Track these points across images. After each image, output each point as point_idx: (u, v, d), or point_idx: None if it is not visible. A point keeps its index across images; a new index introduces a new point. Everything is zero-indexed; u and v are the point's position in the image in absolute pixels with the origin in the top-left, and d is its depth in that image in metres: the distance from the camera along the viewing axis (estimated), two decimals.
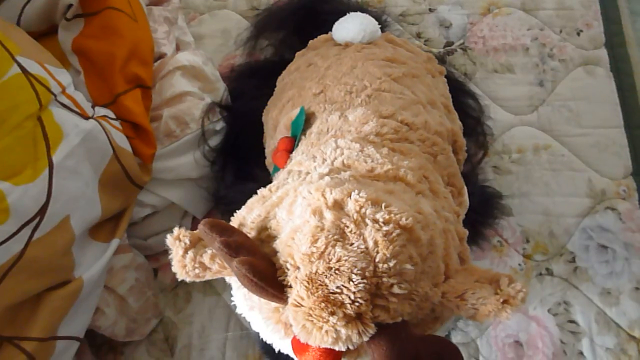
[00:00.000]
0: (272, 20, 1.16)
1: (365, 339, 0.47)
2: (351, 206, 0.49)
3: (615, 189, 1.03)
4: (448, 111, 0.83)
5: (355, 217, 0.48)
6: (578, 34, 1.18)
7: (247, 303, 0.57)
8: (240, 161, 0.98)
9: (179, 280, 0.56)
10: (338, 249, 0.47)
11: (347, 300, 0.46)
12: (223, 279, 0.96)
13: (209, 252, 0.54)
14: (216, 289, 0.98)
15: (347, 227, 0.48)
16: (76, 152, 0.72)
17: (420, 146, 0.68)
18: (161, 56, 0.97)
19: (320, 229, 0.48)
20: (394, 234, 0.48)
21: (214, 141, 0.98)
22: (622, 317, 0.93)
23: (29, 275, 0.67)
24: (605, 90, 1.12)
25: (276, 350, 0.57)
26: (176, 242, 0.55)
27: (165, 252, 1.00)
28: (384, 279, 0.47)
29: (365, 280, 0.46)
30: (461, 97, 1.03)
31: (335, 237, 0.48)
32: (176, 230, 0.56)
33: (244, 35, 1.18)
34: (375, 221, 0.48)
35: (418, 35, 1.20)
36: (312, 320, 0.47)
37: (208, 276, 0.55)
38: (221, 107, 0.99)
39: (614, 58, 1.15)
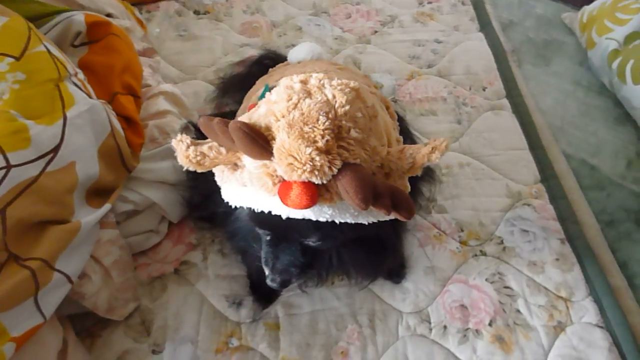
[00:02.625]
0: (234, 81, 1.40)
1: (335, 170, 0.63)
2: (313, 81, 0.68)
3: (528, 191, 1.23)
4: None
5: (317, 85, 0.67)
6: (484, 90, 1.47)
7: (239, 181, 0.71)
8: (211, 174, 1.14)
9: (185, 168, 0.70)
10: (307, 100, 0.65)
11: (317, 137, 0.63)
12: (196, 273, 1.07)
13: (207, 144, 0.70)
14: (190, 280, 1.07)
15: (312, 89, 0.67)
16: (84, 116, 0.88)
17: None
18: (146, 86, 1.17)
19: (293, 91, 0.66)
20: (346, 90, 0.66)
21: None
22: (549, 281, 1.07)
23: (39, 199, 0.78)
24: (511, 125, 1.38)
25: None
26: (179, 142, 0.71)
27: (142, 252, 1.11)
28: (343, 122, 0.65)
29: (329, 120, 0.64)
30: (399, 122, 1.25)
31: (304, 94, 0.66)
32: (178, 135, 0.72)
33: (212, 95, 1.41)
34: (332, 85, 0.67)
35: None
36: (293, 155, 0.63)
37: (207, 163, 0.70)
38: (195, 127, 1.17)
39: (514, 104, 1.43)
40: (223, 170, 0.75)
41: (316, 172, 0.63)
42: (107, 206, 0.93)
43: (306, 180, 0.64)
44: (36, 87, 0.82)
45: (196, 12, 1.70)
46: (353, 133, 0.65)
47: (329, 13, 1.71)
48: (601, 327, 1.01)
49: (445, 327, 1.01)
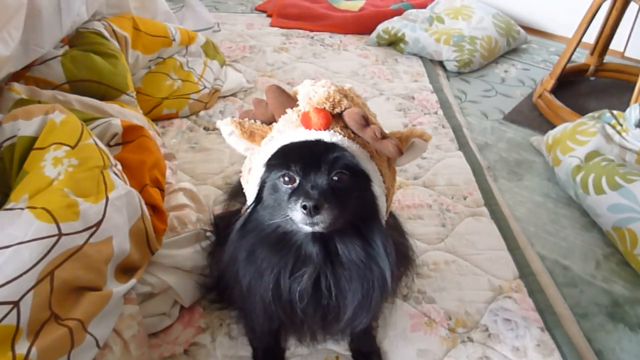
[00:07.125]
0: (240, 187, 1.55)
1: (342, 107, 0.89)
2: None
3: (509, 285, 1.36)
4: None
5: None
6: (465, 199, 1.65)
7: (268, 139, 0.92)
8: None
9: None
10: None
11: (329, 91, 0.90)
12: (205, 353, 1.16)
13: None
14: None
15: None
16: (122, 199, 1.01)
17: None
18: (167, 184, 1.32)
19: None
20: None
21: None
22: None
23: (82, 266, 0.90)
24: (490, 229, 1.53)
25: None
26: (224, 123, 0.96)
27: (154, 334, 1.19)
28: (346, 90, 0.96)
29: (336, 88, 0.94)
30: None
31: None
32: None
33: (220, 198, 1.56)
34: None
35: None
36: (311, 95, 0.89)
37: (246, 125, 0.94)
38: (211, 223, 1.30)
39: (492, 212, 1.60)
40: (252, 149, 0.97)
41: (329, 101, 0.87)
42: (133, 281, 1.03)
43: (322, 108, 0.87)
44: (86, 172, 0.97)
45: (205, 128, 1.91)
46: (354, 97, 0.95)
47: None
48: None
49: None
